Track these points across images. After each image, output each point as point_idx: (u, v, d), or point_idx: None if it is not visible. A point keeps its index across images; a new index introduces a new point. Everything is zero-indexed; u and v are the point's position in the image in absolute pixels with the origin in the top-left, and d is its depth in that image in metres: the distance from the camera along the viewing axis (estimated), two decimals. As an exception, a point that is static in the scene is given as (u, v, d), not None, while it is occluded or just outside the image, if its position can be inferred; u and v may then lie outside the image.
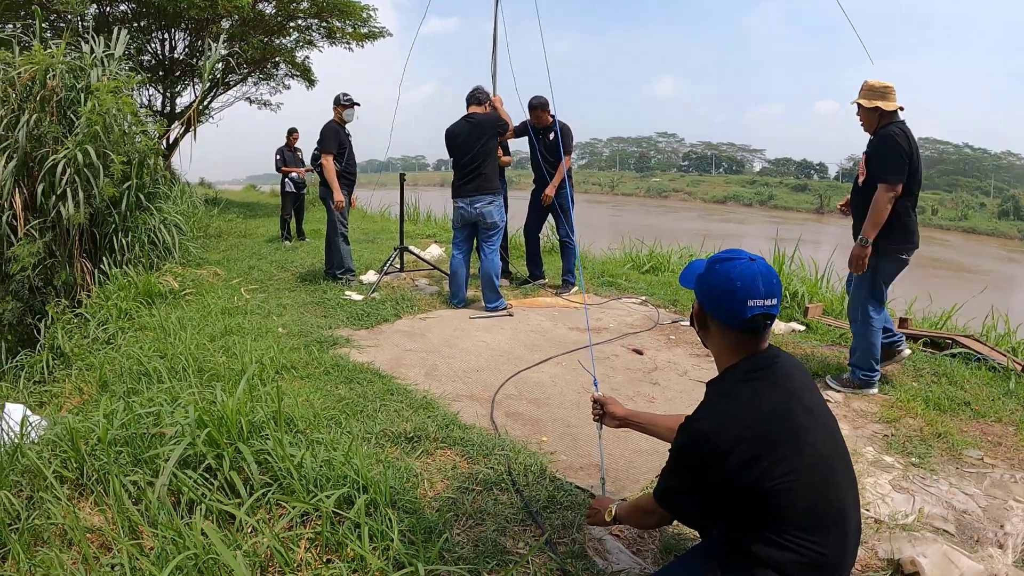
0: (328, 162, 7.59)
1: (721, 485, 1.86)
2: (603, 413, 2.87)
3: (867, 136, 4.78)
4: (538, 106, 7.46)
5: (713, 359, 2.18)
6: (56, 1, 12.19)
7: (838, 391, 4.87)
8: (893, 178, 4.51)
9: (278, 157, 11.95)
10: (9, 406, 4.06)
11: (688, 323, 6.29)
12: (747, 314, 1.93)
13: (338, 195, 7.60)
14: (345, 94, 7.95)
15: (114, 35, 9.00)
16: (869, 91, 4.74)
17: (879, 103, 4.69)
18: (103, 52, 8.57)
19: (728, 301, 1.96)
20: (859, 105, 4.77)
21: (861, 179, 4.81)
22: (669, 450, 2.05)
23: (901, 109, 4.67)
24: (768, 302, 1.95)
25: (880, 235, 4.64)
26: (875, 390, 4.84)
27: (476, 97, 6.84)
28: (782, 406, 1.90)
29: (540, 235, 8.18)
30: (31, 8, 12.01)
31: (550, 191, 7.56)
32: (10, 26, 11.96)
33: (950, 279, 26.82)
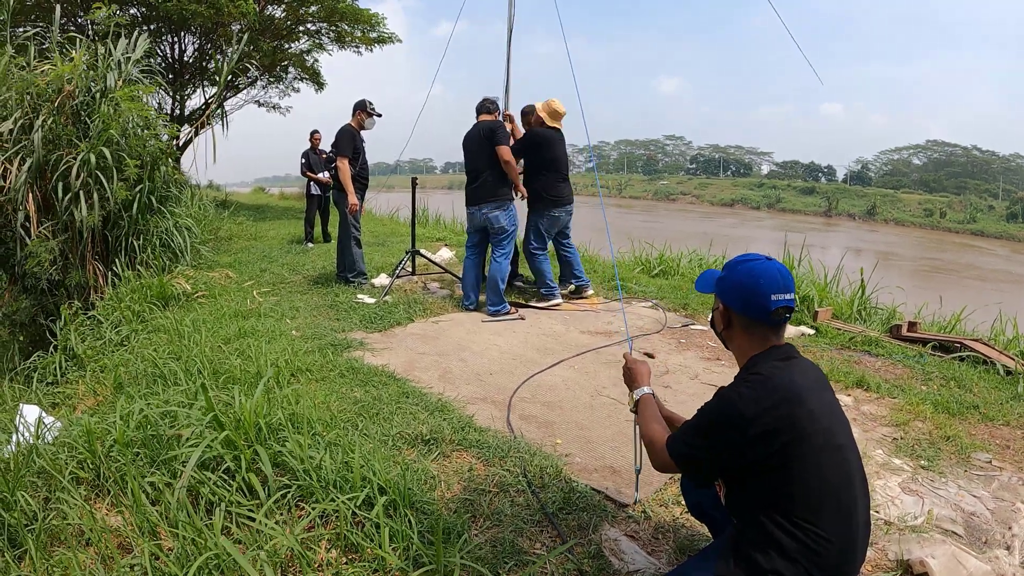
0: (343, 165, 7.60)
1: (737, 451, 1.98)
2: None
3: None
4: (529, 112, 7.63)
5: (735, 360, 2.26)
6: (86, 16, 12.25)
7: (542, 306, 7.06)
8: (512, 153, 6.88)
9: (303, 160, 11.99)
10: (24, 407, 4.08)
11: (698, 326, 6.35)
12: (772, 307, 2.08)
13: (352, 199, 7.62)
14: (370, 102, 7.95)
15: (132, 38, 9.04)
16: (546, 108, 7.21)
17: (544, 115, 7.20)
18: (122, 55, 8.61)
19: (753, 296, 2.10)
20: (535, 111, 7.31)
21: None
22: (698, 410, 2.16)
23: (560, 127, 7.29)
24: (788, 296, 2.10)
25: (539, 199, 7.19)
26: (559, 300, 7.19)
27: (485, 107, 6.97)
28: (805, 392, 2.00)
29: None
30: (43, 12, 12.10)
31: None
32: (21, 29, 12.04)
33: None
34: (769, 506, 1.95)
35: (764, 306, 2.08)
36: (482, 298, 7.02)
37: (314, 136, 12.08)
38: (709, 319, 2.42)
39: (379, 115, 8.01)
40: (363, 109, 7.89)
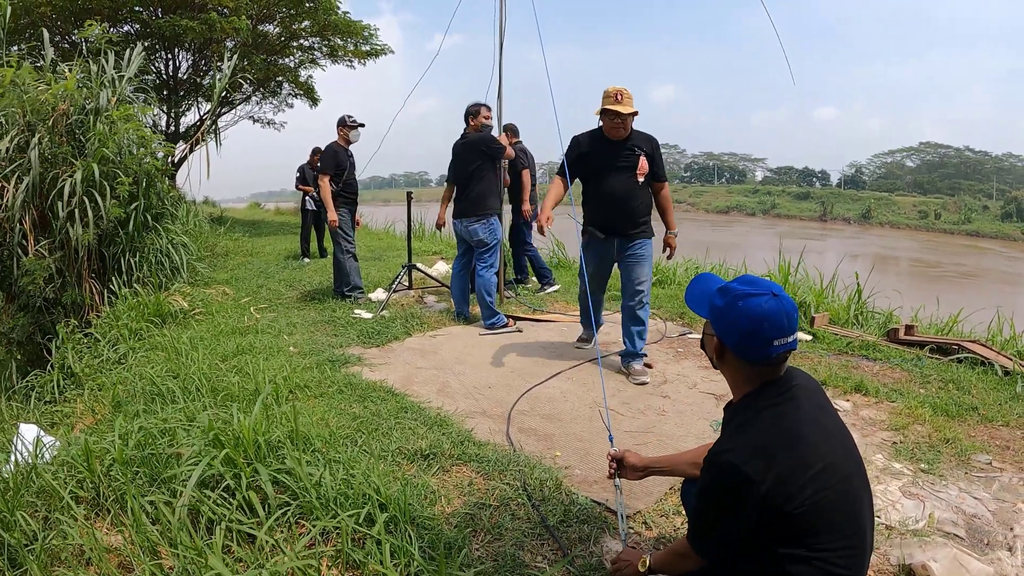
0: (324, 183, 7.73)
1: (753, 513, 1.82)
2: (620, 468, 2.81)
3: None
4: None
5: (726, 380, 2.16)
6: (79, 33, 12.30)
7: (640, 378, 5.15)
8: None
9: (298, 175, 12.05)
10: (22, 427, 4.06)
11: (695, 335, 6.35)
12: (773, 353, 1.91)
13: (331, 214, 7.72)
14: (350, 115, 8.04)
15: (127, 54, 9.08)
16: (630, 99, 4.92)
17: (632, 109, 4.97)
18: (115, 73, 8.64)
19: (753, 342, 1.91)
20: (627, 115, 4.96)
21: (641, 178, 5.14)
22: (695, 492, 2.02)
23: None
24: (790, 339, 1.91)
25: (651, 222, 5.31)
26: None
27: (467, 112, 6.90)
28: (805, 429, 1.89)
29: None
30: (38, 30, 12.10)
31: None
32: (15, 48, 12.05)
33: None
34: (777, 542, 1.86)
35: (764, 353, 1.90)
36: (476, 311, 7.02)
37: (315, 156, 12.12)
38: (700, 340, 2.23)
39: (362, 125, 8.12)
40: (344, 125, 8.02)
